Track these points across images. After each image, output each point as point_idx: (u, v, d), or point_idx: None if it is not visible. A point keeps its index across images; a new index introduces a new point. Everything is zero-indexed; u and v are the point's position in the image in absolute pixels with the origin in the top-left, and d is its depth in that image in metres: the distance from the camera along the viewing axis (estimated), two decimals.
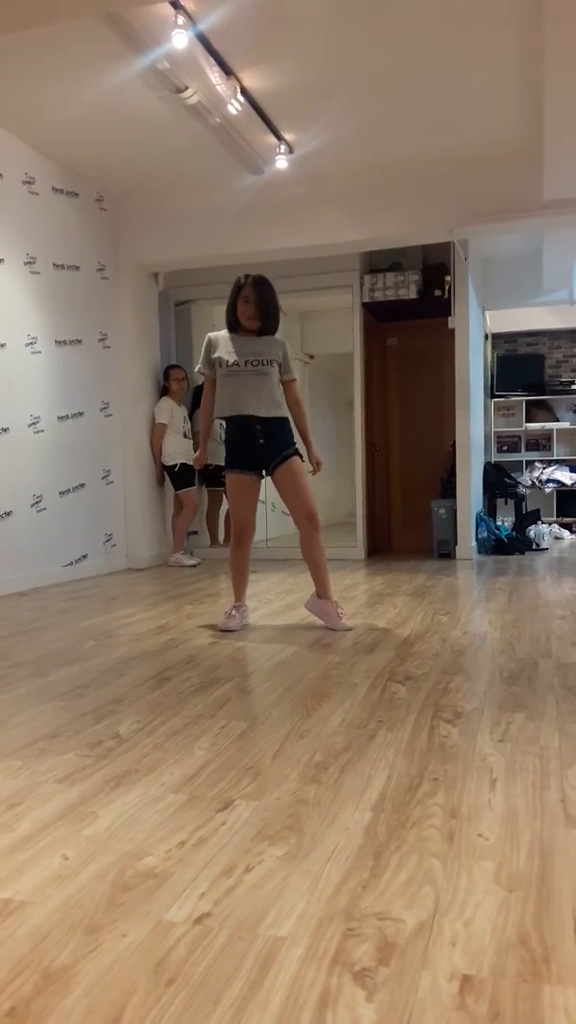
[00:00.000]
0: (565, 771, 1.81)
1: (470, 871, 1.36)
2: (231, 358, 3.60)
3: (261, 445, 3.61)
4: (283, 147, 5.12)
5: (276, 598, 4.63)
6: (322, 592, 3.68)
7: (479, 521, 6.89)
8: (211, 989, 1.07)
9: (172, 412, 6.50)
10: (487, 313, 8.49)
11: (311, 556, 3.68)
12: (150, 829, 1.55)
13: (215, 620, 3.89)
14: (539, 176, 4.89)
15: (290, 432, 3.71)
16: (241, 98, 4.45)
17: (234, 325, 3.67)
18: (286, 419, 3.68)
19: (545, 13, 3.26)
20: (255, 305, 3.59)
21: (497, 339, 9.49)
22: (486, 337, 8.87)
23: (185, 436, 6.57)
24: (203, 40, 3.97)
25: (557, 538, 8.28)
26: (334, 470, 8.29)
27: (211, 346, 3.71)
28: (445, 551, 6.64)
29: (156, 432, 6.47)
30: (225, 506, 7.29)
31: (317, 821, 1.57)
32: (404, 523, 7.44)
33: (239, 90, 4.41)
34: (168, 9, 3.68)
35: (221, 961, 1.13)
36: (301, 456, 3.69)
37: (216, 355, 3.66)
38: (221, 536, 7.32)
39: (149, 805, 1.67)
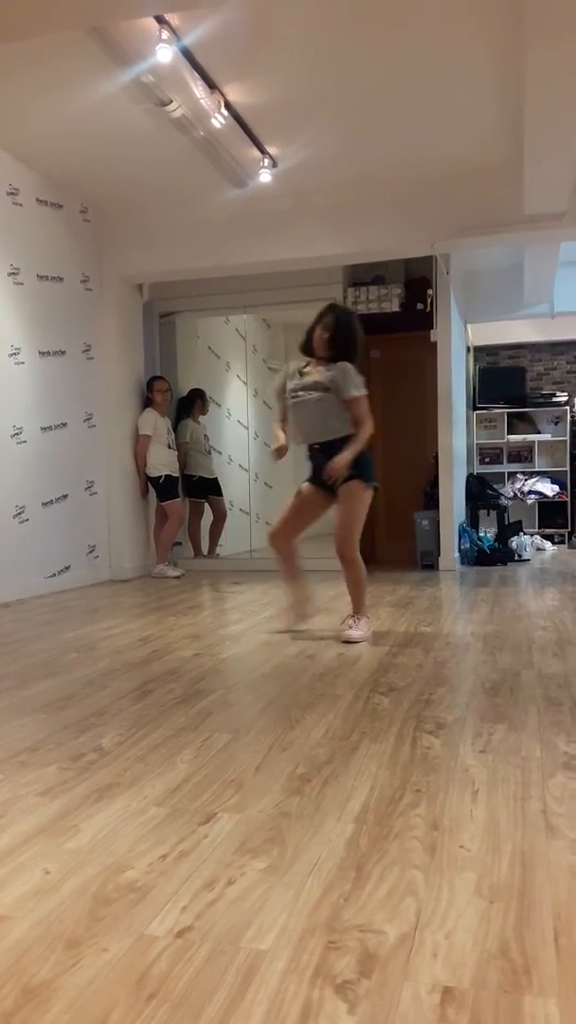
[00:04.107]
0: (547, 782, 1.81)
1: (452, 883, 1.37)
2: (291, 386, 3.72)
3: (323, 468, 3.65)
4: (267, 161, 5.15)
5: (260, 609, 4.63)
6: (354, 608, 3.74)
7: (462, 532, 6.92)
8: (193, 1003, 1.06)
9: (156, 424, 6.49)
10: (469, 326, 8.56)
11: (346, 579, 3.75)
12: (132, 842, 1.55)
13: (199, 632, 3.89)
14: (520, 190, 4.95)
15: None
16: (225, 112, 4.48)
17: (307, 348, 3.75)
18: (345, 441, 3.62)
19: (527, 31, 3.30)
20: (331, 334, 3.66)
21: (479, 352, 9.56)
22: (468, 350, 8.93)
23: (169, 447, 6.56)
24: (187, 54, 4.00)
25: (539, 549, 8.32)
26: None
27: (281, 376, 3.85)
28: (428, 562, 6.66)
29: (140, 444, 6.46)
30: (208, 517, 7.30)
31: (299, 833, 1.57)
32: (387, 534, 7.45)
33: (223, 104, 4.44)
34: (153, 23, 3.71)
35: (203, 975, 1.12)
36: (365, 478, 3.67)
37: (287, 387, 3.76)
38: (205, 547, 7.31)
39: (131, 818, 1.66)
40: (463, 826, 1.59)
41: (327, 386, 3.62)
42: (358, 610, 3.72)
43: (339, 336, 3.66)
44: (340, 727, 2.27)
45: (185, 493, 6.96)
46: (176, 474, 6.59)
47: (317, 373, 3.67)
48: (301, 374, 3.72)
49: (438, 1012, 1.03)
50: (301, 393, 3.67)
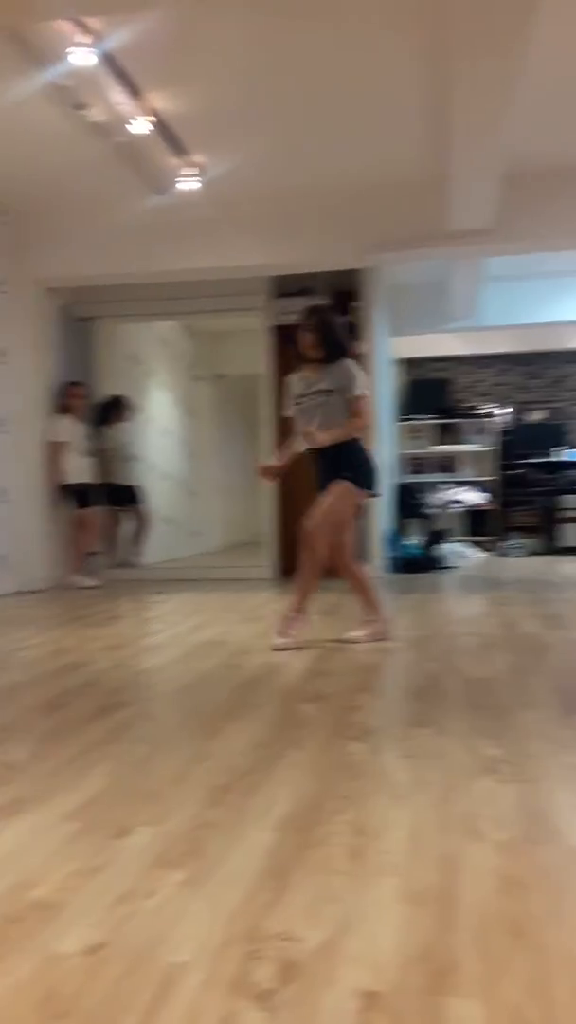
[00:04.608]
0: (469, 785, 1.81)
1: (375, 888, 1.34)
2: (296, 392, 3.70)
3: (321, 471, 3.64)
4: (191, 169, 5.11)
5: (183, 619, 4.56)
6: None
7: (390, 540, 6.98)
8: (105, 1021, 1.01)
9: (72, 430, 6.33)
10: (396, 339, 8.68)
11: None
12: (42, 859, 1.47)
13: (118, 642, 3.80)
14: (446, 206, 5.03)
15: (347, 457, 3.63)
16: (147, 118, 4.43)
17: (301, 355, 3.73)
18: (343, 444, 3.60)
19: (453, 48, 3.36)
20: (316, 335, 3.63)
21: (406, 364, 9.70)
22: (395, 362, 9.06)
23: (86, 455, 6.41)
24: (109, 59, 3.94)
25: (465, 556, 8.47)
26: (246, 490, 8.28)
27: (289, 387, 3.80)
28: None
29: (54, 451, 6.27)
30: (130, 527, 7.17)
31: (219, 844, 1.53)
32: None
33: (145, 110, 4.39)
34: (72, 26, 3.64)
35: (117, 991, 1.07)
36: (360, 482, 3.65)
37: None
38: (126, 556, 7.17)
39: (42, 834, 1.59)
40: (387, 831, 1.57)
41: (330, 388, 3.61)
42: (295, 610, 3.64)
43: (324, 334, 3.65)
44: (263, 736, 2.23)
45: (105, 501, 6.83)
46: (93, 481, 6.44)
47: (319, 378, 3.65)
48: (307, 380, 3.70)
49: (359, 1017, 1.00)
50: (306, 399, 3.66)
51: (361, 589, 3.74)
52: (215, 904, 1.30)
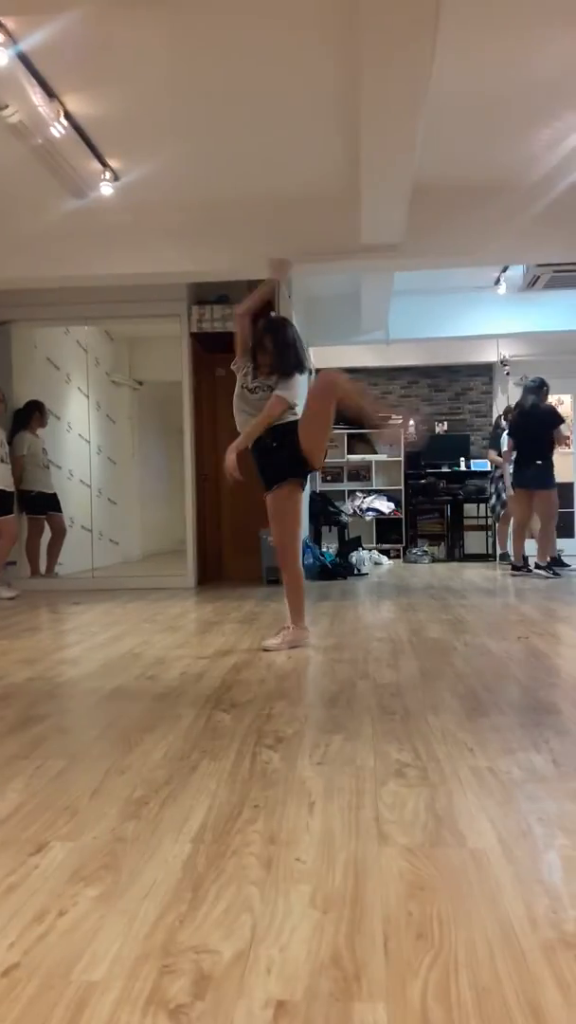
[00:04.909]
0: (379, 790, 1.87)
1: (287, 896, 1.38)
2: (243, 382, 3.92)
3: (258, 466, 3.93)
4: (108, 174, 5.08)
5: (102, 630, 4.52)
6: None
7: (305, 548, 7.06)
8: None
9: None
10: (310, 349, 8.79)
11: None
12: None
13: (34, 655, 3.74)
14: (358, 221, 5.15)
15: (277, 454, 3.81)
16: (64, 121, 4.39)
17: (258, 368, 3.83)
18: (274, 439, 3.81)
19: (361, 66, 3.45)
20: (272, 356, 3.78)
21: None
22: (310, 372, 9.16)
23: (2, 461, 6.28)
24: (24, 59, 3.89)
25: (376, 563, 8.64)
26: (166, 498, 8.23)
27: (240, 369, 3.96)
28: (273, 577, 6.74)
29: None
30: (47, 536, 7.05)
31: (135, 858, 1.54)
32: (234, 551, 7.49)
33: (63, 113, 4.35)
34: None
35: (29, 1013, 1.07)
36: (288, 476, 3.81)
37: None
38: (43, 566, 7.05)
39: None
40: (299, 839, 1.61)
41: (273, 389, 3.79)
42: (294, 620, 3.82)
43: (281, 352, 3.81)
44: (180, 747, 2.24)
45: (23, 509, 6.70)
46: (10, 489, 6.30)
47: (269, 381, 3.84)
48: (259, 380, 3.86)
49: None
50: (252, 394, 3.85)
51: (294, 591, 3.82)
52: (130, 919, 1.31)
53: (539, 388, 7.26)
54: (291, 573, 3.84)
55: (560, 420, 7.17)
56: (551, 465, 7.15)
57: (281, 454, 3.75)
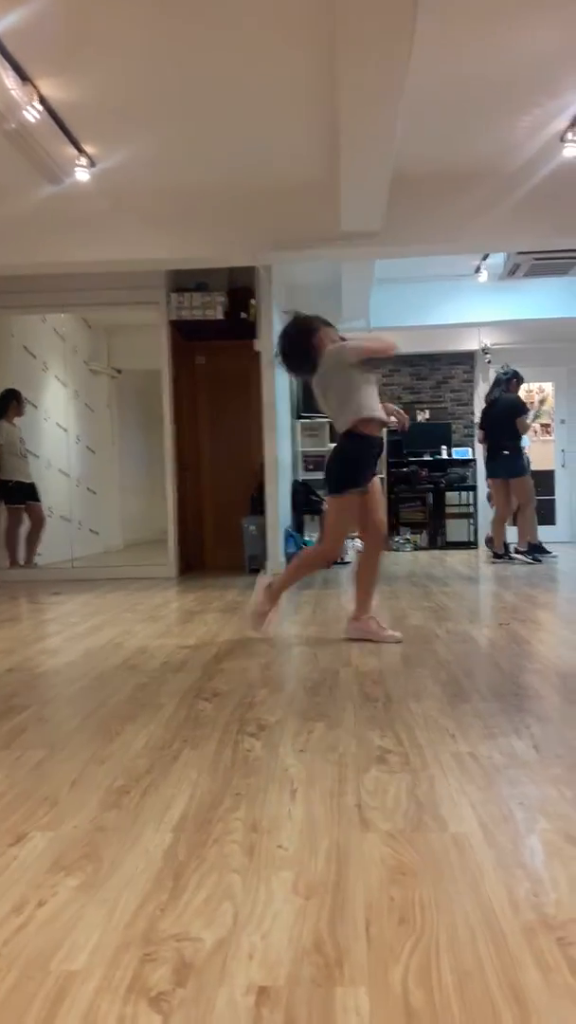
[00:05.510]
0: (361, 777, 1.87)
1: (269, 883, 1.38)
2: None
3: None
4: (84, 159, 5.01)
5: (82, 620, 4.49)
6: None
7: (288, 537, 7.06)
8: None
9: None
10: None
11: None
12: None
13: (13, 645, 3.71)
14: (337, 209, 5.12)
15: (329, 464, 3.78)
16: (39, 106, 4.32)
17: None
18: (340, 437, 3.70)
19: (338, 53, 3.43)
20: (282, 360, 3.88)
21: None
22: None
23: None
24: None
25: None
26: (146, 487, 8.19)
27: None
28: (256, 566, 6.74)
29: None
30: (26, 526, 7.00)
31: (116, 847, 1.53)
32: (216, 540, 7.48)
33: (37, 97, 4.28)
34: None
35: (8, 1004, 1.06)
36: (336, 489, 3.70)
37: None
38: (22, 556, 7.00)
39: None
40: (281, 826, 1.61)
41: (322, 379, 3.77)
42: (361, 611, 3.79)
43: (293, 358, 3.93)
44: (161, 736, 2.23)
45: (0, 499, 6.64)
46: None
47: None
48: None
49: (253, 1013, 1.03)
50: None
51: (291, 573, 3.85)
52: (111, 908, 1.30)
53: (508, 380, 7.36)
54: (303, 555, 4.06)
55: (523, 410, 7.28)
56: (520, 453, 7.23)
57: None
